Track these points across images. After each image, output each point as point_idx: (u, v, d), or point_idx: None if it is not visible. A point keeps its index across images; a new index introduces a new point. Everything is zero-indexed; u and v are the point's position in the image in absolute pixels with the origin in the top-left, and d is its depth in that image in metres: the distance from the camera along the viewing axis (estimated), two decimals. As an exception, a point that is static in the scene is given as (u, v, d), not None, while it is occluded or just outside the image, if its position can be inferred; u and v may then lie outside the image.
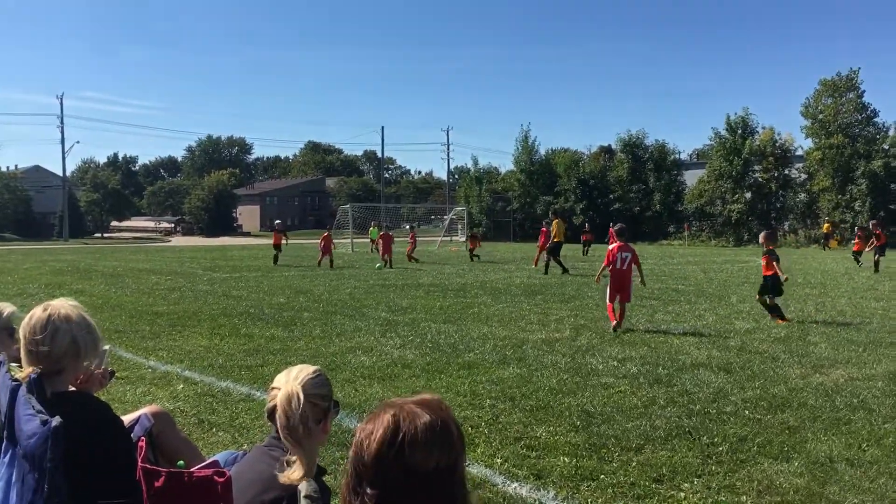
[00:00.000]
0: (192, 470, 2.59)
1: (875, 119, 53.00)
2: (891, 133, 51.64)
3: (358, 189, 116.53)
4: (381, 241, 29.76)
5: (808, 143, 55.49)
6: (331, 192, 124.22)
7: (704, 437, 5.94)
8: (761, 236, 13.92)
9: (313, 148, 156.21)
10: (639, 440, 5.87)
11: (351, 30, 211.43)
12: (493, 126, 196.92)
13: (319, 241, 29.90)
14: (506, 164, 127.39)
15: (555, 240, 24.73)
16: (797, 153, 57.21)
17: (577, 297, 16.55)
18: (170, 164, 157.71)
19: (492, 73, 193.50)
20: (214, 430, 6.23)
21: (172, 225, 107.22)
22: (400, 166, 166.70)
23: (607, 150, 78.76)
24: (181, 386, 7.83)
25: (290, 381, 2.30)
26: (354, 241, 45.72)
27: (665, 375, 8.24)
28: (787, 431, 6.12)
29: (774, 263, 12.87)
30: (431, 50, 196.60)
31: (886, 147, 50.94)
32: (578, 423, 6.36)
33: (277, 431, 2.28)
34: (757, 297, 13.41)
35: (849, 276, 23.48)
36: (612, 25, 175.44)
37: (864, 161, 50.71)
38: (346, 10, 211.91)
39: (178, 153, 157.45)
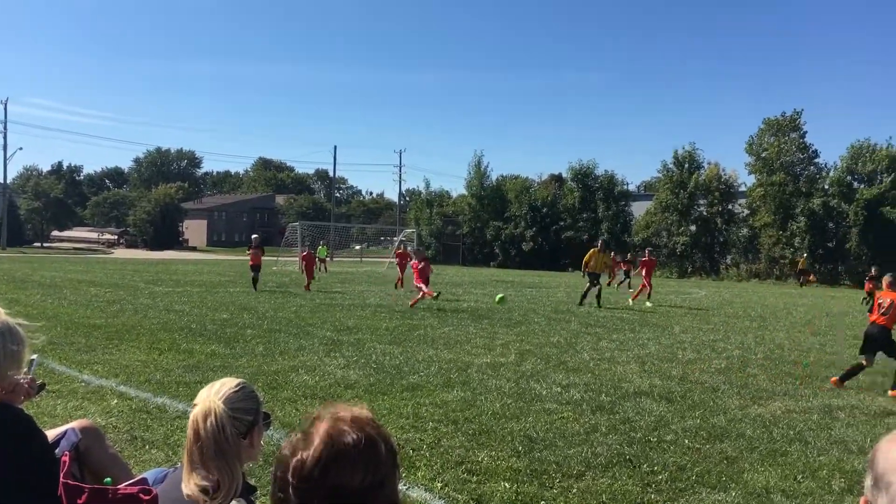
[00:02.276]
0: (117, 487, 2.48)
1: (816, 159, 54.78)
2: (830, 173, 53.32)
3: (308, 207, 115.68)
4: (302, 261, 26.73)
5: (751, 180, 57.04)
6: (280, 210, 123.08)
7: (644, 466, 5.96)
8: (886, 280, 10.46)
9: (264, 164, 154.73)
10: (580, 467, 5.86)
11: (306, 47, 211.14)
12: (446, 150, 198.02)
13: (300, 259, 27.77)
14: (458, 188, 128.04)
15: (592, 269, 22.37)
16: (741, 189, 58.69)
17: (523, 323, 16.60)
18: (116, 175, 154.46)
19: (447, 96, 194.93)
20: (148, 447, 6.03)
21: (116, 237, 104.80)
22: (351, 186, 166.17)
23: (558, 179, 79.74)
24: (115, 401, 7.58)
25: (209, 397, 2.20)
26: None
27: (608, 403, 8.28)
28: (725, 461, 6.18)
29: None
30: (387, 71, 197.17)
31: (826, 186, 52.56)
32: (520, 448, 6.32)
33: None
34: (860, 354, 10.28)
35: (787, 310, 24.04)
36: (568, 55, 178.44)
37: (804, 199, 52.23)
38: (301, 28, 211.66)
39: (126, 164, 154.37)
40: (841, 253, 50.95)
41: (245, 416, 2.24)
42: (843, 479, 5.78)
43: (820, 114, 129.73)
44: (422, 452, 6.10)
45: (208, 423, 2.12)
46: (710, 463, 6.11)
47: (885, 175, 49.57)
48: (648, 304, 23.67)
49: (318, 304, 19.76)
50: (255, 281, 23.89)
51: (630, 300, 23.92)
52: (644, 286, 24.38)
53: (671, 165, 59.63)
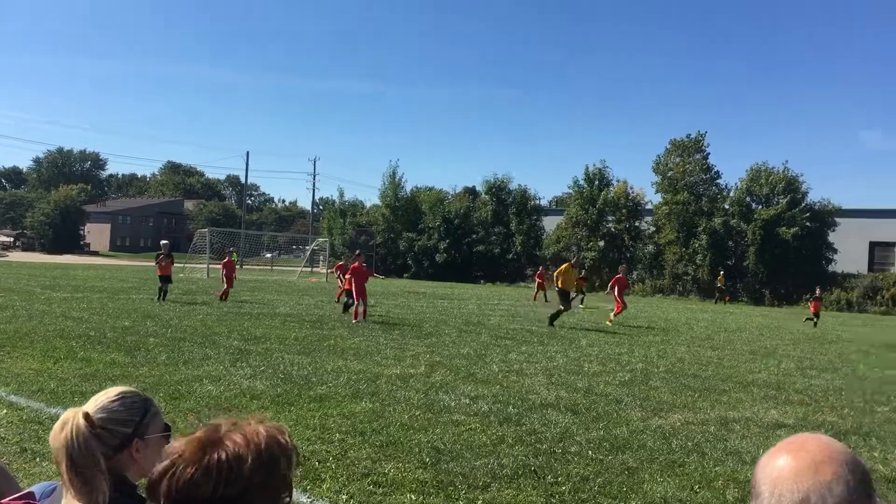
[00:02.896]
0: (1, 501, 2.34)
1: (718, 180, 56.99)
2: (731, 194, 55.54)
3: (218, 213, 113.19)
4: (222, 267, 25.06)
5: (657, 198, 58.87)
6: (189, 215, 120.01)
7: (549, 477, 6.04)
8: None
9: (173, 168, 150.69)
10: (486, 478, 5.89)
11: (221, 48, 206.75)
12: (361, 159, 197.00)
13: (221, 267, 25.50)
14: (372, 199, 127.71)
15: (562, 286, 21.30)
16: (647, 207, 60.53)
17: (434, 334, 16.63)
18: (13, 175, 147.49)
19: (363, 106, 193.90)
20: (38, 459, 5.75)
21: (11, 239, 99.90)
22: (264, 193, 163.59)
23: (472, 192, 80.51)
24: (4, 411, 7.21)
25: (77, 409, 2.08)
26: (211, 266, 44.21)
27: (515, 414, 8.36)
28: (626, 472, 6.32)
29: None
30: (303, 78, 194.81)
31: (727, 206, 54.73)
32: (427, 459, 6.32)
33: None
34: None
35: (689, 325, 24.87)
36: (485, 70, 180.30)
37: (706, 218, 54.24)
38: (216, 28, 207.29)
39: (24, 164, 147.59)
40: (739, 270, 53.07)
41: (121, 427, 2.12)
42: (736, 490, 6.00)
43: (722, 136, 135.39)
44: (327, 464, 6.02)
45: (62, 436, 2.00)
46: (612, 473, 6.24)
47: (781, 197, 51.95)
48: (608, 323, 22.59)
49: (226, 312, 19.31)
50: (163, 292, 22.00)
51: (607, 322, 22.69)
52: (619, 305, 23.60)
53: (582, 182, 61.06)
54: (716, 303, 46.31)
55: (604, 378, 11.56)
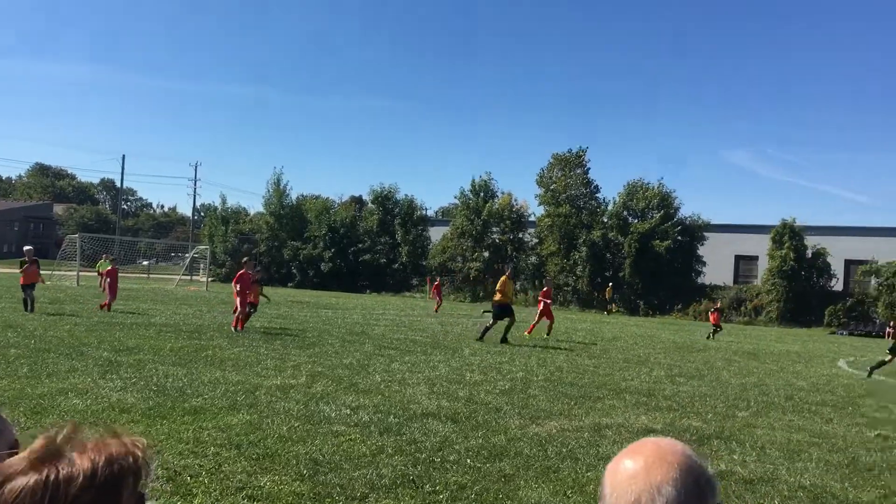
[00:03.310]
0: None
1: (597, 194, 59.08)
2: (609, 208, 57.65)
3: (90, 218, 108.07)
4: (106, 276, 24.08)
5: (540, 210, 60.41)
6: (59, 220, 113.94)
7: (427, 486, 6.07)
8: None
9: (41, 170, 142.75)
10: (364, 489, 5.87)
11: (95, 47, 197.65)
12: (245, 166, 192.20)
13: (104, 276, 23.59)
14: (256, 206, 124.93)
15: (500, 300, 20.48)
16: (531, 219, 62.02)
17: (317, 344, 16.43)
18: None
19: (247, 111, 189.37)
20: None
21: None
22: (141, 198, 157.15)
23: (358, 201, 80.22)
24: None
25: None
26: (81, 273, 42.16)
27: (395, 424, 8.37)
28: (503, 479, 6.43)
29: None
30: (184, 81, 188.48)
31: (605, 220, 56.77)
32: (305, 471, 6.23)
33: None
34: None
35: (568, 334, 25.58)
36: (371, 80, 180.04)
37: (586, 231, 56.08)
38: (90, 26, 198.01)
39: None
40: (616, 282, 55.09)
41: None
42: (607, 493, 6.19)
43: (603, 152, 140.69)
44: (200, 479, 5.83)
45: None
46: (489, 481, 6.34)
47: (656, 211, 54.36)
48: (547, 335, 22.71)
49: (97, 322, 18.43)
50: (28, 302, 20.15)
51: (526, 333, 22.59)
52: (544, 318, 23.51)
53: (468, 193, 61.93)
54: (607, 314, 47.81)
55: (484, 387, 11.72)
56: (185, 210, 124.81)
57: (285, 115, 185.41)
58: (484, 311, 33.32)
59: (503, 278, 20.94)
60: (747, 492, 6.53)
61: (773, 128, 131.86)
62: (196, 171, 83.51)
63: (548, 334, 23.10)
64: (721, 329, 29.28)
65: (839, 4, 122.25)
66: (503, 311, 20.20)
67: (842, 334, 43.06)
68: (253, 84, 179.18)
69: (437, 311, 35.82)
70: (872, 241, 50.47)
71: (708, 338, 28.01)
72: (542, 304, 23.37)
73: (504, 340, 19.71)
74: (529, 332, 22.80)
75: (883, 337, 42.00)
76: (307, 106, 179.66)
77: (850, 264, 51.85)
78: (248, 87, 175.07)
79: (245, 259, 20.98)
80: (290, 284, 65.59)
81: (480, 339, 19.91)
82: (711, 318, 29.58)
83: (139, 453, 1.44)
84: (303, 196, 73.71)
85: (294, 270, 67.19)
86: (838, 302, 47.95)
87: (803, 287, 48.54)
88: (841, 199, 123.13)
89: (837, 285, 50.80)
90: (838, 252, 49.73)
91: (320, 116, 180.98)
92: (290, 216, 68.61)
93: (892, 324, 43.47)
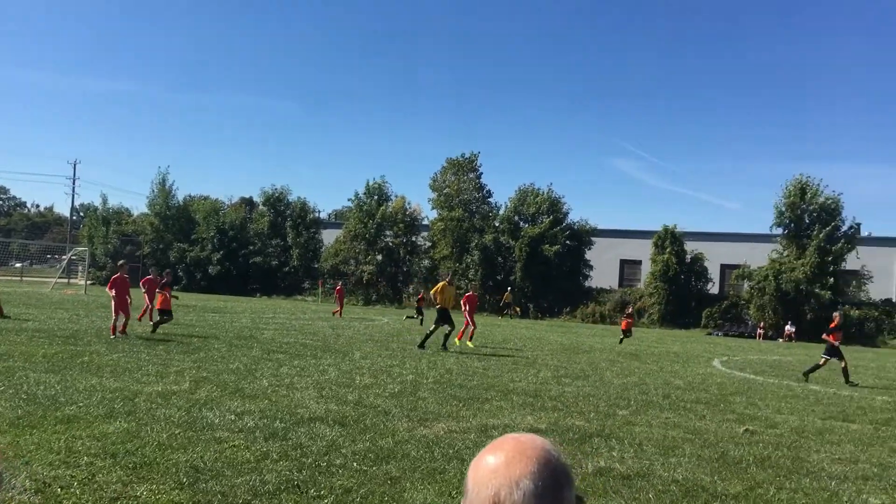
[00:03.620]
0: None
1: (489, 199, 59.97)
2: (501, 212, 58.64)
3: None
4: None
5: (433, 214, 60.81)
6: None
7: (312, 490, 6.01)
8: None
9: None
10: (246, 496, 5.75)
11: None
12: (128, 165, 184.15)
13: None
14: (140, 207, 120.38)
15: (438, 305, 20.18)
16: (424, 222, 62.34)
17: (202, 349, 15.98)
18: None
19: (131, 109, 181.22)
20: None
21: None
22: (14, 197, 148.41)
23: (249, 202, 78.54)
24: None
25: None
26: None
27: (282, 429, 8.24)
28: (389, 482, 6.44)
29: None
30: (61, 76, 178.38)
31: (497, 224, 57.69)
32: (185, 479, 6.05)
33: None
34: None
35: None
36: (258, 79, 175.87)
37: (478, 234, 56.83)
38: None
39: None
40: (507, 285, 56.06)
41: None
42: (491, 492, 6.30)
43: (494, 158, 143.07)
44: (72, 490, 5.58)
45: None
46: (375, 484, 6.33)
47: (545, 216, 55.66)
48: (470, 344, 21.50)
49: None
50: None
51: (456, 340, 21.50)
52: (467, 324, 22.04)
53: (362, 196, 61.67)
54: (511, 317, 48.31)
55: (374, 390, 11.70)
56: (63, 210, 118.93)
57: (171, 113, 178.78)
58: (407, 317, 32.97)
59: (442, 284, 20.42)
60: (624, 487, 6.78)
61: (655, 137, 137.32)
62: (75, 169, 79.51)
63: (458, 339, 21.73)
64: (630, 335, 29.04)
65: (716, 19, 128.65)
66: (442, 317, 19.85)
67: (717, 335, 45.26)
68: (136, 80, 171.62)
69: (339, 315, 35.23)
70: (745, 246, 53.39)
71: (620, 342, 28.03)
72: (465, 307, 22.40)
73: (444, 347, 19.63)
74: (459, 339, 21.78)
75: (754, 338, 44.49)
76: (194, 103, 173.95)
77: (725, 268, 54.64)
78: (131, 82, 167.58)
79: (121, 262, 19.91)
80: (176, 288, 63.52)
81: (421, 346, 19.68)
82: (623, 323, 29.58)
83: None
84: (190, 197, 71.55)
85: (181, 273, 65.09)
86: (714, 304, 50.41)
87: (683, 290, 50.77)
88: (715, 207, 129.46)
89: (714, 288, 53.42)
90: (714, 257, 52.34)
91: (209, 115, 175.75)
92: (176, 217, 66.46)
93: (761, 325, 46.13)
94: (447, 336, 20.07)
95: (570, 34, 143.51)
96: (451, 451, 7.72)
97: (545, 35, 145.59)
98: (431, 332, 20.16)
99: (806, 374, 18.45)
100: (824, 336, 19.04)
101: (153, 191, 67.25)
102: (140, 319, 22.71)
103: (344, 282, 60.77)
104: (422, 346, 19.76)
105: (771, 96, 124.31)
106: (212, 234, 64.33)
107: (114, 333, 17.50)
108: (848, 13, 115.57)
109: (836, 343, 18.38)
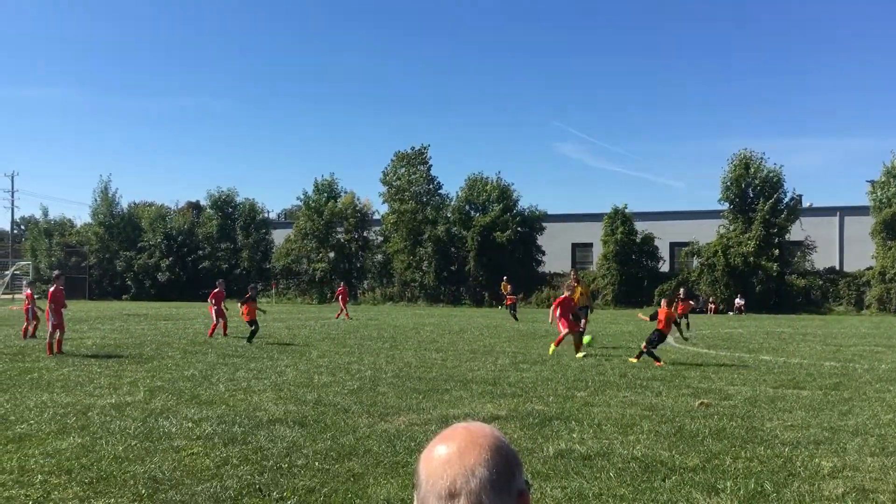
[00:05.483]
0: None
1: (440, 190, 60.00)
2: (452, 202, 58.72)
3: None
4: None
5: (384, 208, 60.65)
6: None
7: (275, 493, 5.98)
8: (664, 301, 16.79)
9: None
10: (208, 503, 5.69)
11: None
12: (68, 175, 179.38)
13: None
14: (83, 217, 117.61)
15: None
16: (375, 217, 62.14)
17: (155, 358, 15.72)
18: None
19: (67, 116, 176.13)
20: None
21: None
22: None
23: (196, 206, 77.34)
24: None
25: None
26: None
27: (241, 433, 8.16)
28: (352, 479, 6.43)
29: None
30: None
31: (448, 215, 57.78)
32: (144, 491, 5.96)
33: None
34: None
35: (416, 330, 25.86)
36: (193, 79, 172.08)
37: (430, 226, 56.85)
38: None
39: None
40: (461, 275, 56.22)
41: None
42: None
43: (443, 150, 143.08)
44: (26, 511, 5.46)
45: None
46: (338, 482, 6.32)
47: (496, 204, 55.89)
48: (579, 355, 17.47)
49: None
50: None
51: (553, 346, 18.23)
52: (576, 329, 19.42)
53: (311, 193, 61.20)
54: (505, 307, 42.60)
55: (333, 388, 11.65)
56: (3, 224, 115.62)
57: (108, 119, 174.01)
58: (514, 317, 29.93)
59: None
60: (585, 467, 6.87)
61: (596, 120, 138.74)
62: (13, 181, 77.34)
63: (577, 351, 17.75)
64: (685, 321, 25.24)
65: (658, 5, 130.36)
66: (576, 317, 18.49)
67: (670, 313, 46.00)
68: (68, 85, 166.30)
69: (347, 318, 33.57)
70: (692, 223, 54.36)
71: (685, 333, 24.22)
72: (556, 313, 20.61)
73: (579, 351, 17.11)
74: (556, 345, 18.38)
75: (706, 312, 45.37)
76: (131, 109, 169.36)
77: (674, 246, 55.58)
78: (63, 88, 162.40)
79: (57, 273, 18.47)
80: (125, 297, 62.37)
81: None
82: (679, 308, 24.86)
83: None
84: (135, 204, 70.17)
85: (129, 282, 63.92)
86: (666, 282, 51.27)
87: (635, 270, 51.50)
88: (661, 186, 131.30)
89: (664, 267, 54.30)
90: (664, 235, 53.18)
91: (145, 120, 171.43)
92: (121, 225, 65.16)
93: (712, 300, 46.92)
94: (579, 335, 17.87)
95: (505, 19, 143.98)
96: (412, 444, 7.73)
97: (482, 24, 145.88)
98: (581, 333, 18.75)
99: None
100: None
101: (95, 200, 65.83)
102: (211, 335, 21.64)
103: (296, 281, 60.43)
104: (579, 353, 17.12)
105: (706, 72, 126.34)
106: (159, 240, 63.25)
107: (51, 352, 16.16)
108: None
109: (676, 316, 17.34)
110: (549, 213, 57.86)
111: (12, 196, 76.28)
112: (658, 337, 15.98)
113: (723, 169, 50.30)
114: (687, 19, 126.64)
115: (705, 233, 50.67)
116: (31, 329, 20.68)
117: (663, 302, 16.93)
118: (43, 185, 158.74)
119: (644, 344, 16.06)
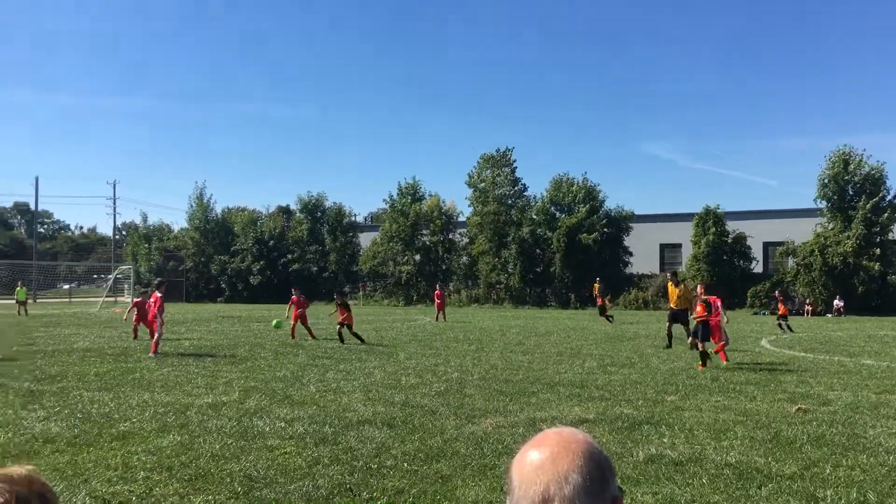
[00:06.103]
0: None
1: (525, 192, 59.74)
2: (537, 204, 58.36)
3: (4, 245, 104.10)
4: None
5: (469, 211, 60.81)
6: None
7: (365, 493, 6.07)
8: (700, 287, 17.02)
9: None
10: (300, 502, 5.83)
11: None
12: (165, 182, 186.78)
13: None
14: (180, 222, 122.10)
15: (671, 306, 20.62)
16: (460, 219, 62.38)
17: (249, 359, 16.20)
18: None
19: (165, 125, 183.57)
20: None
21: None
22: (58, 220, 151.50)
23: (286, 211, 79.32)
24: None
25: None
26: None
27: (331, 434, 8.32)
28: (440, 480, 6.47)
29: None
30: (85, 98, 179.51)
31: (533, 216, 57.48)
32: (240, 488, 6.15)
33: None
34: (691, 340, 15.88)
35: (502, 332, 25.82)
36: (277, 88, 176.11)
37: (515, 228, 56.68)
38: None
39: None
40: (547, 277, 55.77)
41: None
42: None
43: (527, 152, 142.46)
44: (131, 505, 5.71)
45: None
46: (426, 483, 6.37)
47: (582, 205, 55.26)
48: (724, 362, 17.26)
49: (14, 352, 17.75)
50: None
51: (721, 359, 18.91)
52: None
53: (396, 197, 61.95)
54: (602, 314, 40.66)
55: (420, 390, 11.75)
56: (106, 230, 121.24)
57: (204, 126, 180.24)
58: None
59: (671, 286, 20.68)
60: (677, 473, 6.72)
61: (687, 119, 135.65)
62: (115, 189, 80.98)
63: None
64: (786, 320, 28.10)
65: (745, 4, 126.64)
66: (674, 317, 20.07)
67: (764, 314, 44.51)
68: (157, 98, 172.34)
69: (443, 320, 33.72)
70: (786, 222, 52.44)
71: (785, 329, 27.37)
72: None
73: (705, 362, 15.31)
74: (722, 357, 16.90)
75: (802, 314, 43.70)
76: (219, 117, 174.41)
77: (768, 246, 53.76)
78: (159, 100, 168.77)
79: (158, 280, 19.16)
80: (219, 299, 64.45)
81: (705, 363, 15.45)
82: (781, 309, 28.54)
83: (40, 483, 1.42)
84: (228, 209, 72.50)
85: (223, 285, 66.06)
86: (759, 283, 49.62)
87: (726, 270, 50.03)
88: (752, 185, 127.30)
89: (758, 267, 52.57)
90: (757, 235, 51.50)
91: (239, 127, 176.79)
92: (215, 230, 67.44)
93: (809, 301, 45.13)
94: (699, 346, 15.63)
95: (592, 24, 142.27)
96: (500, 447, 7.72)
97: (569, 25, 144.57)
98: (671, 335, 19.77)
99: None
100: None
101: (191, 205, 68.37)
102: (293, 337, 22.06)
103: (383, 283, 61.11)
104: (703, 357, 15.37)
105: (799, 67, 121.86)
106: (251, 244, 65.13)
107: (155, 352, 16.89)
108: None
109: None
110: (635, 213, 56.85)
111: (114, 203, 79.90)
112: (700, 327, 15.59)
113: (819, 166, 48.32)
114: (781, 12, 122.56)
115: (801, 232, 48.78)
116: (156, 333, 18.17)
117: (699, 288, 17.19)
118: (142, 193, 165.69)
119: (697, 343, 15.49)
